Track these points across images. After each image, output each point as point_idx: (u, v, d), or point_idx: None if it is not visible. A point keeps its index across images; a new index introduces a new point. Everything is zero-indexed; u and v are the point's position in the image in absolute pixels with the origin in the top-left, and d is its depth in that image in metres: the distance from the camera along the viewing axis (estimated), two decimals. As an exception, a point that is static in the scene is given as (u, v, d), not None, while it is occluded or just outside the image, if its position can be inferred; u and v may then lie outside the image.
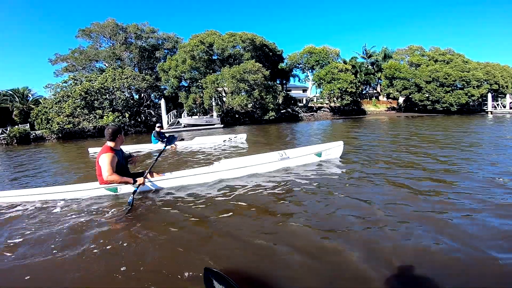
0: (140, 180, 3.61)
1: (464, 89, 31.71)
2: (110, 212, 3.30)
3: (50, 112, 18.76)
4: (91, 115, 18.69)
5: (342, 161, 5.52)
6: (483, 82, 32.23)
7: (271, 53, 31.17)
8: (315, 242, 2.37)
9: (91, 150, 9.77)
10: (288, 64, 36.03)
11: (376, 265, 2.01)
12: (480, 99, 33.80)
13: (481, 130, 12.02)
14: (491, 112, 31.40)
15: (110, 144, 3.57)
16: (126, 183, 3.59)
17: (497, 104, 33.38)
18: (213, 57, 27.15)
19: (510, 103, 33.73)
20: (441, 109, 32.32)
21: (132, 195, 3.45)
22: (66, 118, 18.19)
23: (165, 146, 4.59)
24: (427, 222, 2.72)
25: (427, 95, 32.89)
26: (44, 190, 4.01)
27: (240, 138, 10.62)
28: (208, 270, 1.50)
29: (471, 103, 33.47)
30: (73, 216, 3.20)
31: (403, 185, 3.91)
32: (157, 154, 4.26)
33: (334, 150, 5.63)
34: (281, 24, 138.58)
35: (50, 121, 18.36)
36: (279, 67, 33.79)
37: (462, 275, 1.92)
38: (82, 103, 18.78)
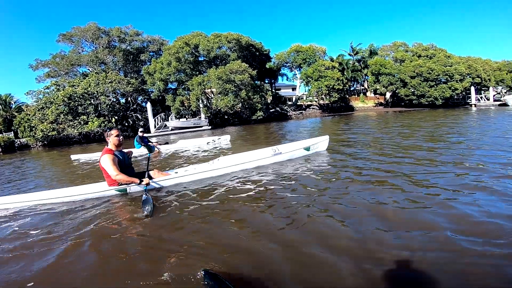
0: (145, 180, 3.83)
1: (448, 83, 32.41)
2: (120, 213, 3.36)
3: (33, 119, 18.35)
4: (76, 121, 18.35)
5: (328, 153, 6.09)
6: (466, 76, 33.03)
7: (258, 53, 31.15)
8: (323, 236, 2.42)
9: (74, 157, 9.62)
10: (276, 63, 36.11)
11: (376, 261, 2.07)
12: (464, 93, 34.61)
13: (465, 122, 12.43)
14: (475, 105, 32.21)
15: (108, 146, 3.79)
16: (132, 182, 3.77)
17: (481, 97, 34.26)
18: (200, 59, 26.96)
19: (494, 95, 34.70)
20: (427, 103, 32.97)
21: (145, 195, 3.56)
22: (50, 125, 17.80)
23: (149, 154, 4.89)
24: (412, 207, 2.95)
25: (412, 90, 33.51)
26: (53, 193, 4.03)
27: (224, 139, 10.64)
28: (207, 272, 1.47)
29: (455, 97, 34.21)
30: (85, 218, 3.22)
31: (377, 171, 4.39)
32: (147, 158, 4.60)
33: (321, 144, 6.12)
34: (267, 24, 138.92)
35: (33, 129, 17.97)
36: (266, 66, 33.82)
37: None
38: (65, 109, 18.42)
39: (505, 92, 37.86)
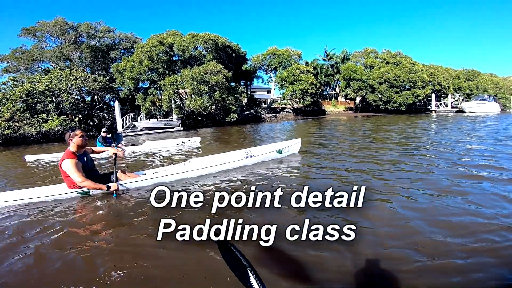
0: (113, 186, 3.61)
1: (411, 89, 34.44)
2: (83, 218, 3.20)
3: (-14, 117, 16.86)
4: (34, 119, 17.12)
5: (300, 156, 6.26)
6: (428, 83, 35.26)
7: (234, 54, 31.03)
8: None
9: (28, 158, 8.98)
10: (252, 65, 36.30)
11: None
12: (425, 99, 36.96)
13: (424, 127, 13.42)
14: (435, 111, 34.59)
15: (70, 148, 3.54)
16: (100, 189, 3.59)
17: (440, 104, 36.84)
18: (174, 58, 26.38)
19: (452, 102, 37.48)
20: (392, 109, 34.78)
21: (113, 198, 3.51)
22: (5, 123, 16.46)
23: (116, 146, 4.55)
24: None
25: (379, 96, 35.18)
26: (6, 196, 3.76)
27: (193, 141, 10.49)
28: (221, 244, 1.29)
29: (417, 103, 36.43)
30: (45, 223, 3.01)
31: (348, 170, 4.76)
32: (113, 157, 4.16)
33: (293, 147, 6.24)
34: (245, 26, 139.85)
35: (-14, 127, 16.52)
36: (243, 68, 33.84)
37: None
38: (23, 106, 17.14)
39: (462, 100, 41.03)
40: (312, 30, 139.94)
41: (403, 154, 6.45)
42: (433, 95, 35.32)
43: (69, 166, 3.42)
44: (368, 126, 15.53)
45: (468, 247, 2.20)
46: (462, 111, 31.45)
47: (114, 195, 3.59)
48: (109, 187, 3.58)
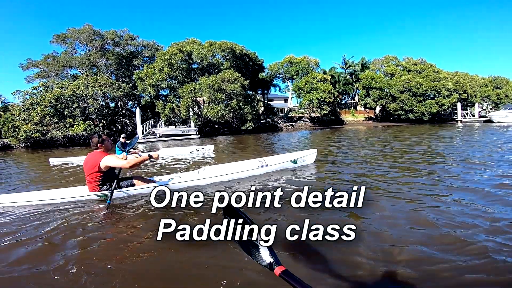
0: (154, 155, 4.01)
1: (435, 98, 33.03)
2: (94, 218, 3.31)
3: (17, 120, 18.07)
4: (61, 123, 18.09)
5: (315, 166, 6.05)
6: (453, 92, 33.68)
7: (251, 63, 31.45)
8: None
9: (53, 161, 9.39)
10: (269, 73, 36.51)
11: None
12: (450, 108, 35.31)
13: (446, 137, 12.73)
14: (461, 121, 32.98)
15: (101, 149, 3.82)
16: (144, 160, 3.77)
17: (466, 113, 35.07)
18: (193, 66, 27.13)
19: (479, 112, 35.61)
20: (414, 118, 33.45)
21: (107, 207, 3.62)
22: (34, 126, 17.52)
23: (126, 152, 4.76)
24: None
25: (401, 105, 34.01)
26: (32, 196, 3.97)
27: (207, 149, 10.60)
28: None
29: (442, 112, 34.82)
30: (61, 223, 3.14)
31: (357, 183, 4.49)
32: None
33: (308, 157, 6.08)
34: (262, 34, 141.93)
35: (17, 129, 17.68)
36: (259, 76, 34.10)
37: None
38: (51, 111, 18.18)
39: (491, 109, 38.90)
40: (330, 38, 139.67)
41: (415, 162, 6.27)
42: (458, 104, 33.71)
43: (112, 159, 3.65)
44: (388, 137, 15.01)
45: (468, 249, 2.14)
46: (490, 121, 29.78)
47: (108, 201, 3.63)
48: (151, 156, 3.91)
